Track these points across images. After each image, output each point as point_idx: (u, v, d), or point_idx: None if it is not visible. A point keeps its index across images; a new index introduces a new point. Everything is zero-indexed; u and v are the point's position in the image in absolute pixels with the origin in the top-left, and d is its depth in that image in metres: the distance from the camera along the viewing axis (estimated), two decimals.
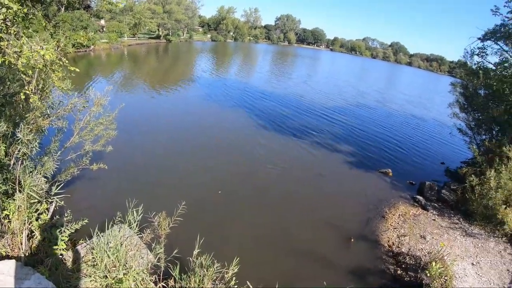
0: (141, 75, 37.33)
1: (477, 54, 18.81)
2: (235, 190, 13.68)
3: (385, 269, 10.16)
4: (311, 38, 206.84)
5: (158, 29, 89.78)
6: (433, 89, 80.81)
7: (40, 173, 7.04)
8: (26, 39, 5.67)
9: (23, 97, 6.00)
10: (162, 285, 5.96)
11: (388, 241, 11.62)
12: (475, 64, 19.23)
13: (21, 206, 5.93)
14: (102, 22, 68.30)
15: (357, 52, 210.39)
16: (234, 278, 5.92)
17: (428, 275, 8.77)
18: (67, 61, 6.43)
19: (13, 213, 5.95)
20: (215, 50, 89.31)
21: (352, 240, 11.35)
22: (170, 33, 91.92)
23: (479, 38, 18.60)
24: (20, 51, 5.41)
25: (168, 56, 65.90)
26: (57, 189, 6.80)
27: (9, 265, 4.89)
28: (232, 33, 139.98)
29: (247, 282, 5.68)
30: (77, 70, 6.58)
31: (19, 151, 6.29)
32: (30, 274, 4.95)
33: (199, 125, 21.16)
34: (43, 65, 5.82)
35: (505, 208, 11.93)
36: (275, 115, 26.52)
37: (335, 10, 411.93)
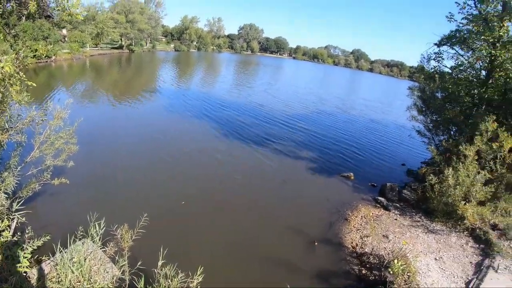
0: (103, 87, 36.60)
1: (434, 59, 19.67)
2: (198, 200, 13.62)
3: (349, 270, 10.41)
4: (274, 46, 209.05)
5: (121, 39, 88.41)
6: (393, 94, 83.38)
7: (0, 189, 6.88)
8: None
9: None
10: None
11: (352, 242, 11.91)
12: (431, 68, 20.08)
13: None
14: (64, 31, 66.57)
15: (320, 60, 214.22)
16: (199, 287, 5.96)
17: (391, 272, 9.05)
18: (24, 75, 6.35)
19: None
20: (178, 60, 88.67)
21: (316, 243, 11.55)
22: (133, 43, 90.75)
23: (435, 44, 19.42)
24: None
25: (131, 67, 64.95)
26: (18, 206, 6.69)
27: None
28: (195, 43, 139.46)
29: None
30: (34, 84, 6.51)
31: None
32: None
33: (161, 137, 20.83)
34: (1, 79, 5.74)
35: (464, 204, 12.49)
36: (237, 125, 26.56)
37: (298, 19, 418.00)
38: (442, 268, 10.17)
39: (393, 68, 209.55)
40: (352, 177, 18.21)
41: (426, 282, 9.29)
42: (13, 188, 7.59)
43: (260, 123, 28.11)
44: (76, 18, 8.49)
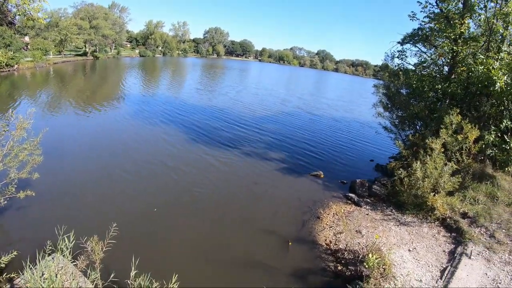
0: (67, 95, 35.66)
1: (398, 57, 20.22)
2: (169, 207, 13.43)
3: (325, 267, 10.46)
4: (240, 50, 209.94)
5: (85, 46, 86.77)
6: (358, 92, 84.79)
7: None
8: None
9: None
10: None
11: (326, 240, 11.99)
12: (396, 66, 20.61)
13: None
14: (27, 38, 64.69)
15: (285, 62, 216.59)
16: None
17: (367, 266, 9.16)
18: None
19: None
20: (144, 66, 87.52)
21: (290, 243, 11.57)
22: (97, 50, 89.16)
23: (399, 42, 19.99)
24: None
25: (96, 74, 63.66)
26: None
27: None
28: (160, 48, 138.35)
29: None
30: None
31: None
32: None
33: (127, 145, 20.31)
34: None
35: (434, 195, 12.90)
36: (204, 130, 26.36)
37: (262, 22, 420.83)
38: (416, 259, 10.37)
39: (358, 67, 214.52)
40: (322, 176, 18.41)
41: (402, 273, 9.46)
42: None
43: (228, 127, 28.07)
44: (38, 22, 8.22)
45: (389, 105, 21.18)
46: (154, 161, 18.00)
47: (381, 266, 9.36)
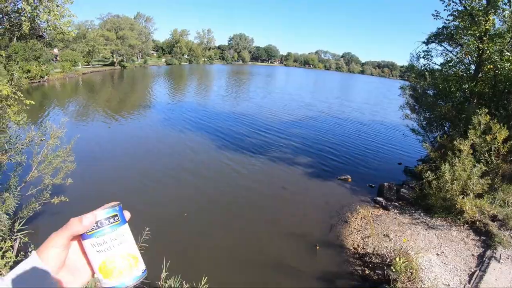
0: (97, 104, 36.64)
1: (423, 57, 19.89)
2: (200, 211, 13.71)
3: (353, 271, 10.45)
4: (265, 55, 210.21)
5: (112, 56, 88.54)
6: (385, 94, 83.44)
7: (2, 210, 6.92)
8: None
9: None
10: None
11: (353, 244, 11.95)
12: (421, 66, 20.29)
13: None
14: (56, 51, 66.54)
15: (311, 65, 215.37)
16: None
17: (394, 270, 9.10)
18: (22, 95, 6.44)
19: None
20: (171, 74, 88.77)
21: (317, 247, 11.58)
22: (125, 59, 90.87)
23: (423, 42, 19.69)
24: None
25: (124, 83, 65.06)
26: (20, 226, 6.73)
27: None
28: (186, 56, 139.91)
29: None
30: (33, 103, 6.64)
31: None
32: None
33: (154, 152, 20.83)
34: None
35: (463, 197, 12.58)
36: (233, 135, 26.64)
37: (287, 26, 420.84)
38: (444, 263, 10.23)
39: (384, 68, 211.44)
40: (350, 180, 18.30)
41: (429, 277, 9.35)
42: (14, 209, 7.61)
43: (253, 133, 28.14)
44: (68, 36, 8.57)
45: (416, 107, 20.85)
46: (182, 167, 18.35)
47: (408, 270, 9.28)
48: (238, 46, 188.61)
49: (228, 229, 12.59)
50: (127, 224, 1.13)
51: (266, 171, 19.15)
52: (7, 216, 7.10)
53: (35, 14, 6.76)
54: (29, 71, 41.70)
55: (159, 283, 5.98)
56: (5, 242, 6.31)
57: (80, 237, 1.05)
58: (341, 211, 14.60)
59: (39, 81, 47.73)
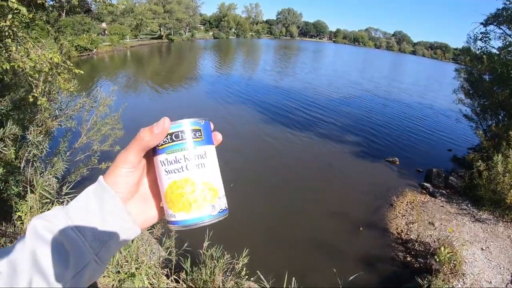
0: (144, 76, 37.56)
1: (480, 39, 18.73)
2: (245, 183, 13.82)
3: (394, 256, 10.23)
4: (314, 30, 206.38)
5: (160, 29, 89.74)
6: (438, 77, 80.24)
7: (51, 174, 7.16)
8: (33, 43, 5.79)
9: (31, 100, 6.10)
10: (174, 278, 6.02)
11: (397, 228, 11.67)
12: (478, 49, 19.14)
13: (33, 206, 6.04)
14: (104, 25, 68.20)
15: (360, 43, 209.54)
16: (244, 269, 5.98)
17: (437, 260, 8.80)
18: (71, 64, 6.55)
19: (25, 214, 6.04)
20: (218, 47, 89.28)
21: (360, 228, 11.42)
22: (172, 33, 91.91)
23: (481, 23, 18.50)
24: (27, 55, 5.54)
25: (171, 56, 66.09)
26: (68, 189, 6.94)
27: None
28: (234, 30, 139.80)
29: (258, 272, 5.74)
30: (82, 72, 6.72)
31: (29, 153, 6.43)
32: None
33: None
34: (49, 68, 5.92)
35: None
36: (281, 109, 26.62)
37: (337, 1, 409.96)
38: (488, 259, 9.77)
39: (436, 50, 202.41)
40: (397, 162, 17.80)
41: (472, 272, 8.98)
42: (62, 173, 7.86)
43: (303, 107, 28.01)
44: (116, 8, 8.63)
45: (471, 92, 19.81)
46: (230, 137, 18.48)
47: (452, 261, 8.95)
48: (286, 20, 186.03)
49: (271, 204, 12.71)
50: (213, 147, 0.91)
51: (312, 148, 19.06)
52: (56, 180, 7.36)
53: None
54: (78, 45, 42.92)
55: (201, 251, 6.02)
56: (52, 204, 6.52)
57: (152, 154, 0.85)
58: (387, 194, 14.28)
59: (88, 54, 49.11)
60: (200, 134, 0.85)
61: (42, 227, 0.75)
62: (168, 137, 0.81)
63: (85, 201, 0.79)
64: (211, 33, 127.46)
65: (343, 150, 19.20)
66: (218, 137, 0.94)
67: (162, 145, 0.82)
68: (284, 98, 31.29)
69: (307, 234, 11.03)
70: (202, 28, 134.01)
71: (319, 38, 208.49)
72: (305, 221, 11.79)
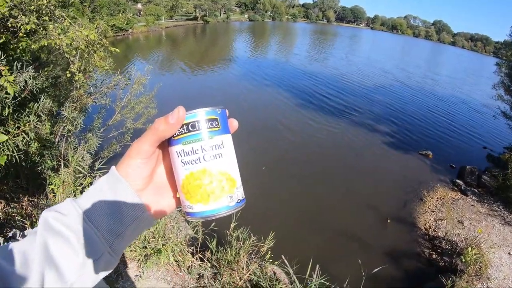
0: (179, 56, 37.93)
1: None
2: (275, 168, 13.98)
3: (420, 252, 10.08)
4: (351, 16, 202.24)
5: (195, 11, 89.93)
6: (476, 70, 77.50)
7: (85, 149, 7.37)
8: (69, 21, 5.90)
9: (68, 75, 6.25)
10: (199, 256, 6.13)
11: (425, 224, 11.46)
12: None
13: (66, 180, 6.24)
14: (139, 5, 69.09)
15: (399, 31, 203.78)
16: (269, 252, 6.01)
17: (463, 260, 8.62)
18: (107, 42, 6.65)
19: (58, 187, 6.25)
20: (253, 30, 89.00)
21: (388, 220, 11.32)
22: (207, 14, 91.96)
23: None
24: (64, 33, 5.66)
25: (206, 37, 66.29)
26: (100, 165, 7.11)
27: None
28: (269, 13, 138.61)
29: (282, 256, 5.75)
30: (117, 50, 6.82)
31: (64, 128, 6.61)
32: None
33: (237, 103, 21.73)
34: (85, 46, 6.04)
35: None
36: (314, 95, 26.45)
37: None
38: None
39: (477, 42, 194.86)
40: (431, 156, 17.40)
41: (497, 276, 8.72)
42: (95, 149, 8.07)
43: (336, 94, 27.81)
44: None
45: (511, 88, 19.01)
46: (260, 121, 18.93)
47: (478, 263, 8.72)
48: (323, 5, 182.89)
49: (300, 190, 12.74)
50: (230, 135, 0.88)
51: (342, 137, 18.87)
52: (89, 155, 7.56)
53: None
54: (114, 25, 43.58)
55: (228, 232, 6.07)
56: (85, 179, 6.70)
57: (168, 144, 0.83)
58: (417, 188, 13.99)
59: (124, 34, 49.99)
60: (217, 123, 0.83)
61: (53, 219, 0.75)
62: (184, 127, 0.80)
63: (98, 192, 0.78)
64: (246, 16, 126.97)
65: (374, 140, 18.90)
66: (234, 123, 0.91)
67: (178, 135, 0.80)
68: (316, 84, 30.90)
69: (334, 223, 11.01)
70: (237, 10, 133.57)
71: (356, 24, 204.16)
72: (333, 210, 11.77)
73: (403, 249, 10.18)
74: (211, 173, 0.80)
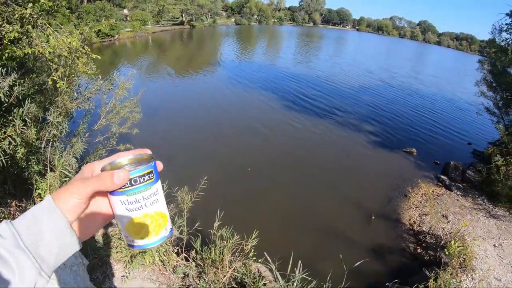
0: (165, 61, 38.04)
1: (505, 31, 18.23)
2: (259, 167, 14.20)
3: (405, 247, 10.27)
4: (337, 18, 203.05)
5: (182, 15, 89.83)
6: (461, 69, 78.38)
7: (70, 154, 7.44)
8: (52, 29, 6.01)
9: (50, 82, 6.36)
10: (184, 256, 6.24)
11: (410, 219, 11.68)
12: (503, 41, 18.67)
13: (53, 184, 6.32)
14: (125, 11, 69.00)
15: (384, 32, 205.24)
16: (252, 250, 6.11)
17: (447, 253, 8.81)
18: (89, 50, 6.78)
19: (44, 191, 6.34)
20: (240, 34, 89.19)
21: (372, 217, 11.49)
22: (194, 19, 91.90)
23: (507, 14, 17.99)
24: (47, 41, 5.77)
25: (193, 42, 66.32)
26: None
27: None
28: (256, 16, 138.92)
29: (265, 253, 5.87)
30: (99, 57, 6.97)
31: (49, 133, 6.69)
32: None
33: (223, 107, 22.03)
34: (68, 53, 6.15)
35: None
36: (299, 97, 26.76)
37: None
38: (500, 256, 9.65)
39: (462, 41, 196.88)
40: (415, 153, 17.70)
41: (482, 268, 8.92)
42: (81, 153, 8.14)
43: (321, 95, 28.10)
44: None
45: (494, 84, 19.35)
46: (245, 124, 19.21)
47: (461, 255, 8.93)
48: (309, 7, 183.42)
49: (284, 189, 12.93)
50: (159, 180, 1.03)
51: (328, 135, 19.21)
52: (75, 159, 7.64)
53: None
54: (99, 30, 43.48)
55: (211, 231, 6.17)
56: None
57: (109, 193, 0.95)
58: (402, 184, 14.25)
59: (110, 40, 50.01)
60: (152, 175, 0.98)
61: None
62: (129, 182, 0.93)
63: (33, 218, 0.87)
64: (233, 20, 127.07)
65: (359, 139, 19.16)
66: (160, 166, 1.07)
67: (122, 188, 0.93)
68: (300, 86, 31.18)
69: (318, 220, 11.19)
70: (224, 14, 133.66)
71: (342, 26, 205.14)
72: (317, 209, 11.95)
73: (388, 244, 10.37)
74: (151, 216, 0.98)
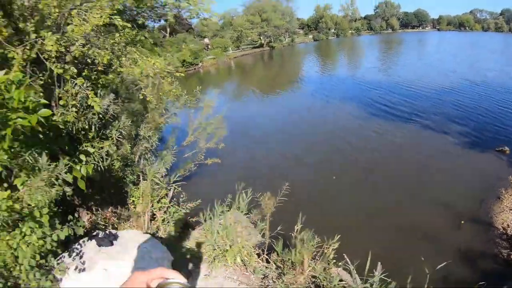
0: (248, 83, 39.86)
1: None
2: (345, 174, 14.69)
3: (497, 253, 9.59)
4: (415, 20, 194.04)
5: (260, 38, 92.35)
6: None
7: (161, 165, 8.28)
8: (139, 54, 6.85)
9: (141, 97, 7.27)
10: (265, 258, 6.52)
11: (503, 223, 10.83)
12: None
13: (144, 192, 7.15)
14: (206, 40, 72.90)
15: (466, 27, 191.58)
16: (333, 253, 6.11)
17: None
18: (172, 68, 7.61)
19: (138, 198, 7.29)
20: (318, 49, 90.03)
21: (462, 222, 10.86)
22: (272, 40, 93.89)
23: None
24: (136, 63, 6.62)
25: (273, 62, 68.29)
26: (175, 178, 7.98)
27: (135, 233, 6.39)
28: (333, 30, 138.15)
29: (344, 255, 5.90)
30: (182, 74, 7.77)
31: (142, 146, 7.58)
32: (149, 239, 6.11)
33: (306, 120, 23.21)
34: (154, 73, 6.96)
35: None
36: (383, 103, 26.67)
37: None
38: None
39: None
40: (508, 152, 16.22)
41: None
42: (171, 165, 8.97)
43: (406, 100, 27.63)
44: (211, 20, 9.61)
45: None
46: (329, 135, 19.84)
47: None
48: (385, 13, 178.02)
49: (367, 191, 13.04)
50: None
51: (415, 138, 19.11)
52: (165, 170, 8.49)
53: (177, 4, 7.90)
54: (184, 60, 46.43)
55: (293, 234, 6.30)
56: (161, 190, 7.62)
57: None
58: (494, 185, 13.21)
59: (195, 68, 53.58)
60: None
61: None
62: None
63: None
64: (310, 36, 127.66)
65: (446, 141, 18.36)
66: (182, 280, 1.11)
67: None
68: (388, 91, 31.07)
69: (404, 222, 10.93)
70: (301, 32, 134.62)
71: (422, 28, 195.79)
72: (404, 209, 11.83)
73: (478, 249, 9.76)
74: None
